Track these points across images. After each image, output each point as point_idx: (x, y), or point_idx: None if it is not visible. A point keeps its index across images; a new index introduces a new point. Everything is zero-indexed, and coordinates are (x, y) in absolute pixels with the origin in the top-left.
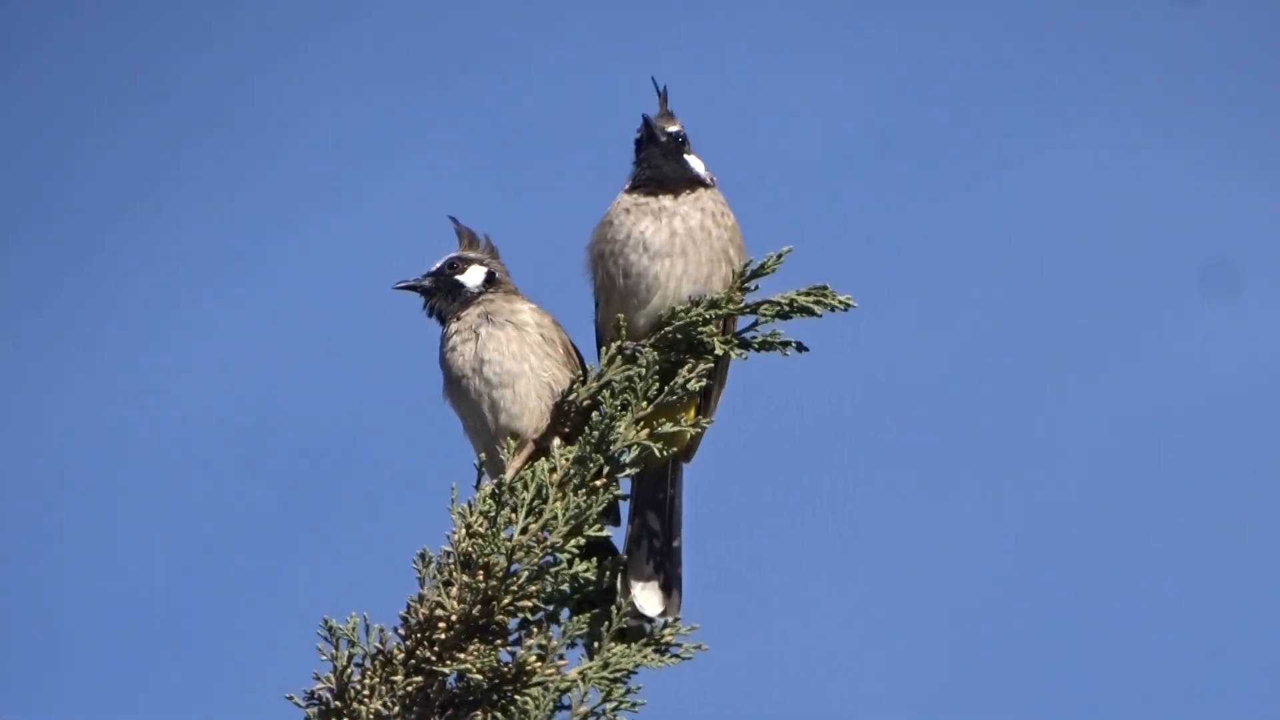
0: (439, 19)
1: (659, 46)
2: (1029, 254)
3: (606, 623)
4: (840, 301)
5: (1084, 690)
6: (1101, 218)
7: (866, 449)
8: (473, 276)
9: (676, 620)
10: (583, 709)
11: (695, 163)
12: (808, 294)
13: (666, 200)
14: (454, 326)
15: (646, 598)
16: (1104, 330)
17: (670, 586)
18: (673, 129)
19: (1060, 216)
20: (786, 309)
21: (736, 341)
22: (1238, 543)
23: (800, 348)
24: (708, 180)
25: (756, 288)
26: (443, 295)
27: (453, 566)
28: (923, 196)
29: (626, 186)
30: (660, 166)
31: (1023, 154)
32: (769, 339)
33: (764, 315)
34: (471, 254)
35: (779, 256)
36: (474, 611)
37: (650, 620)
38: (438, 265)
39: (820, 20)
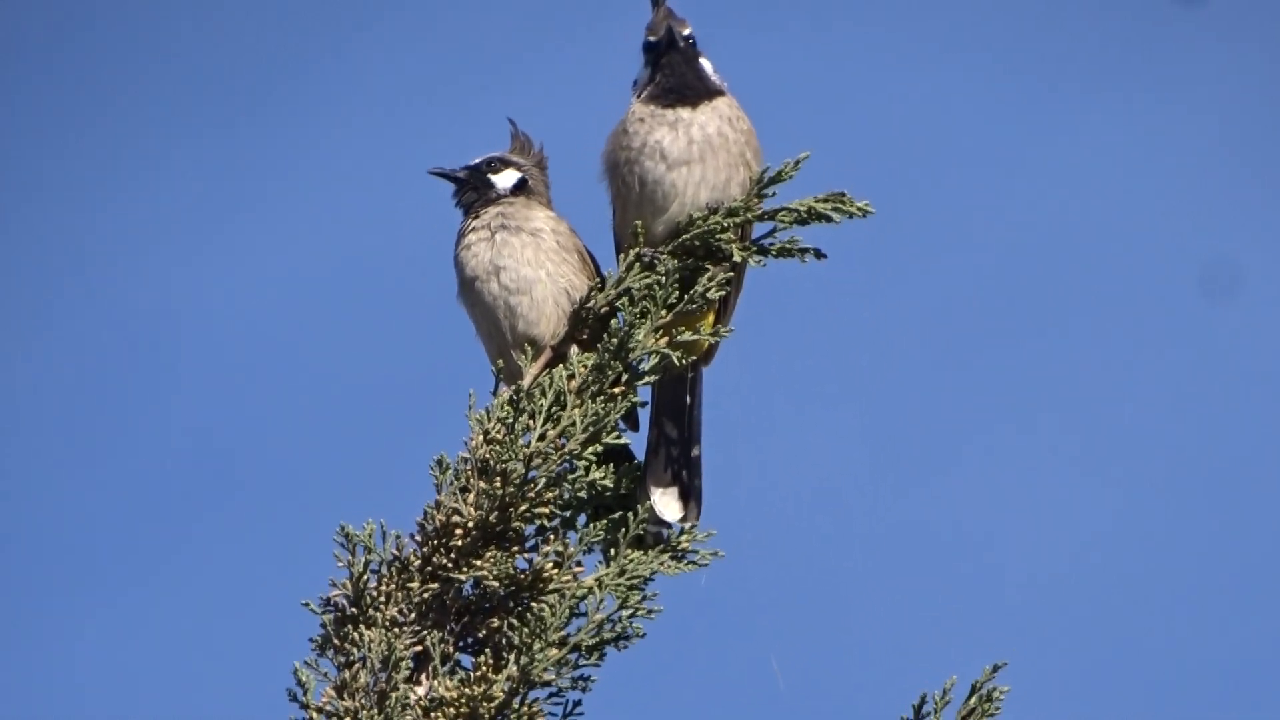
0: None
1: None
2: (1023, 250)
3: (624, 529)
4: (859, 208)
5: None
6: (1101, 218)
7: (886, 355)
8: (505, 179)
9: (694, 526)
10: (599, 616)
11: (708, 67)
12: (825, 200)
13: (684, 112)
14: (471, 223)
15: (665, 503)
16: (1102, 330)
17: (689, 493)
18: (686, 32)
19: (1058, 216)
20: (804, 216)
21: (755, 248)
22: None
23: (818, 254)
24: (723, 88)
25: (774, 194)
26: (472, 189)
27: (470, 473)
28: (915, 191)
29: (641, 94)
30: (684, 76)
31: (1022, 154)
32: (787, 246)
33: (782, 222)
34: (514, 158)
35: (796, 163)
36: (491, 518)
37: (669, 526)
38: (476, 161)
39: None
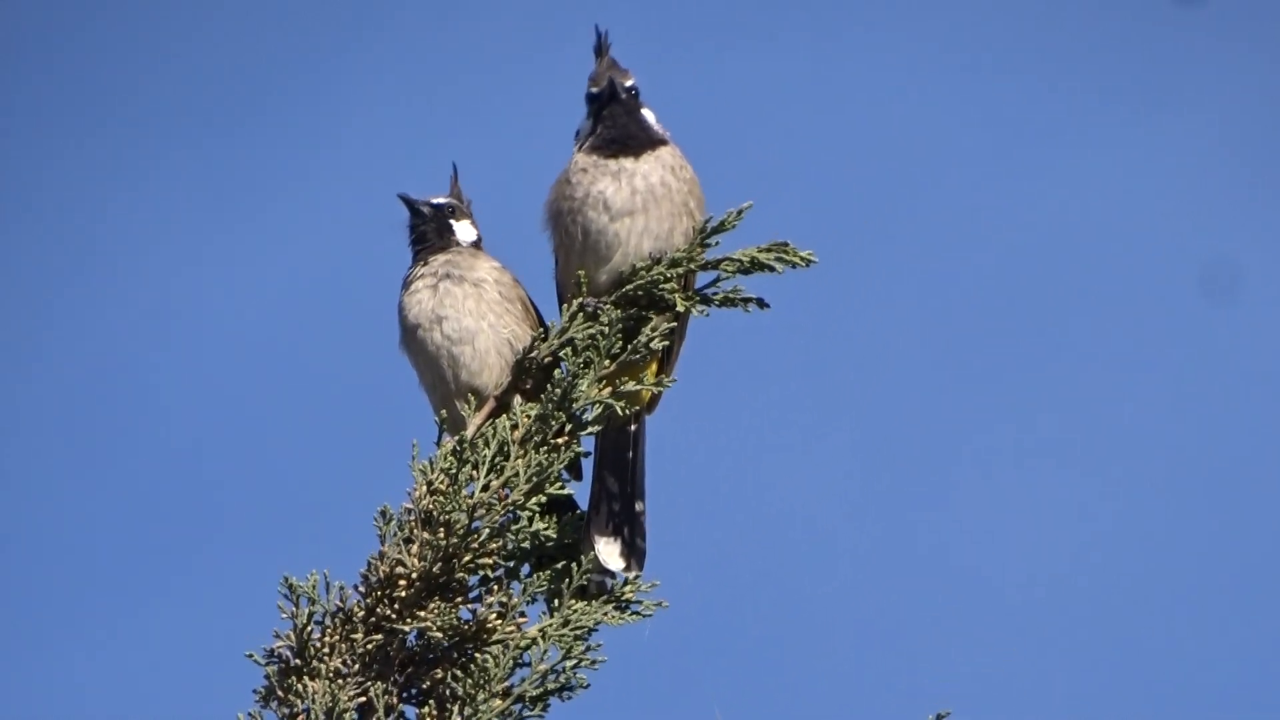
0: None
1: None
2: (1024, 251)
3: (567, 580)
4: (801, 258)
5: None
6: (1101, 218)
7: (883, 356)
8: (464, 232)
9: (638, 577)
10: (543, 666)
11: (651, 117)
12: (769, 250)
13: (627, 162)
14: (419, 270)
15: (609, 553)
16: (1099, 329)
17: (632, 542)
18: (629, 83)
19: (1058, 215)
20: (747, 265)
21: (698, 298)
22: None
23: (761, 304)
24: (665, 137)
25: (717, 243)
26: (432, 228)
27: (413, 524)
28: (916, 193)
29: (583, 145)
30: (626, 127)
31: (1022, 154)
32: (730, 295)
33: (725, 272)
34: (470, 211)
35: (739, 213)
36: (434, 569)
37: (612, 575)
38: (443, 200)
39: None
